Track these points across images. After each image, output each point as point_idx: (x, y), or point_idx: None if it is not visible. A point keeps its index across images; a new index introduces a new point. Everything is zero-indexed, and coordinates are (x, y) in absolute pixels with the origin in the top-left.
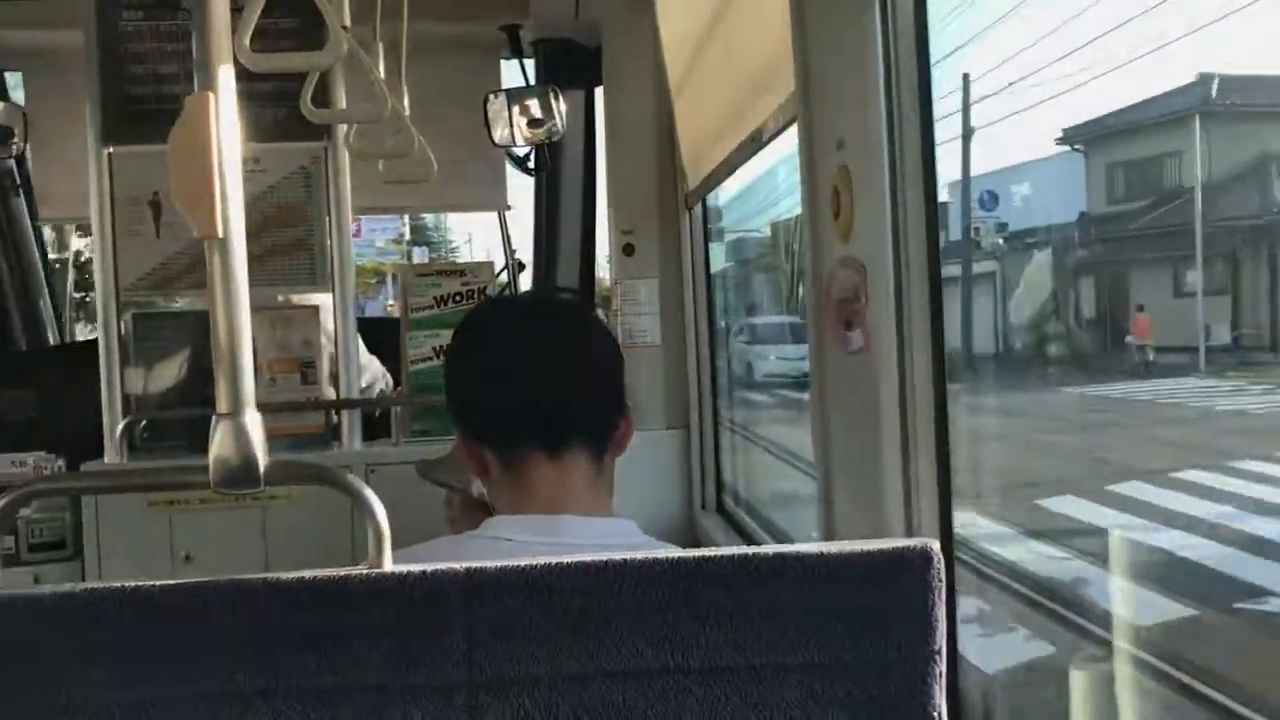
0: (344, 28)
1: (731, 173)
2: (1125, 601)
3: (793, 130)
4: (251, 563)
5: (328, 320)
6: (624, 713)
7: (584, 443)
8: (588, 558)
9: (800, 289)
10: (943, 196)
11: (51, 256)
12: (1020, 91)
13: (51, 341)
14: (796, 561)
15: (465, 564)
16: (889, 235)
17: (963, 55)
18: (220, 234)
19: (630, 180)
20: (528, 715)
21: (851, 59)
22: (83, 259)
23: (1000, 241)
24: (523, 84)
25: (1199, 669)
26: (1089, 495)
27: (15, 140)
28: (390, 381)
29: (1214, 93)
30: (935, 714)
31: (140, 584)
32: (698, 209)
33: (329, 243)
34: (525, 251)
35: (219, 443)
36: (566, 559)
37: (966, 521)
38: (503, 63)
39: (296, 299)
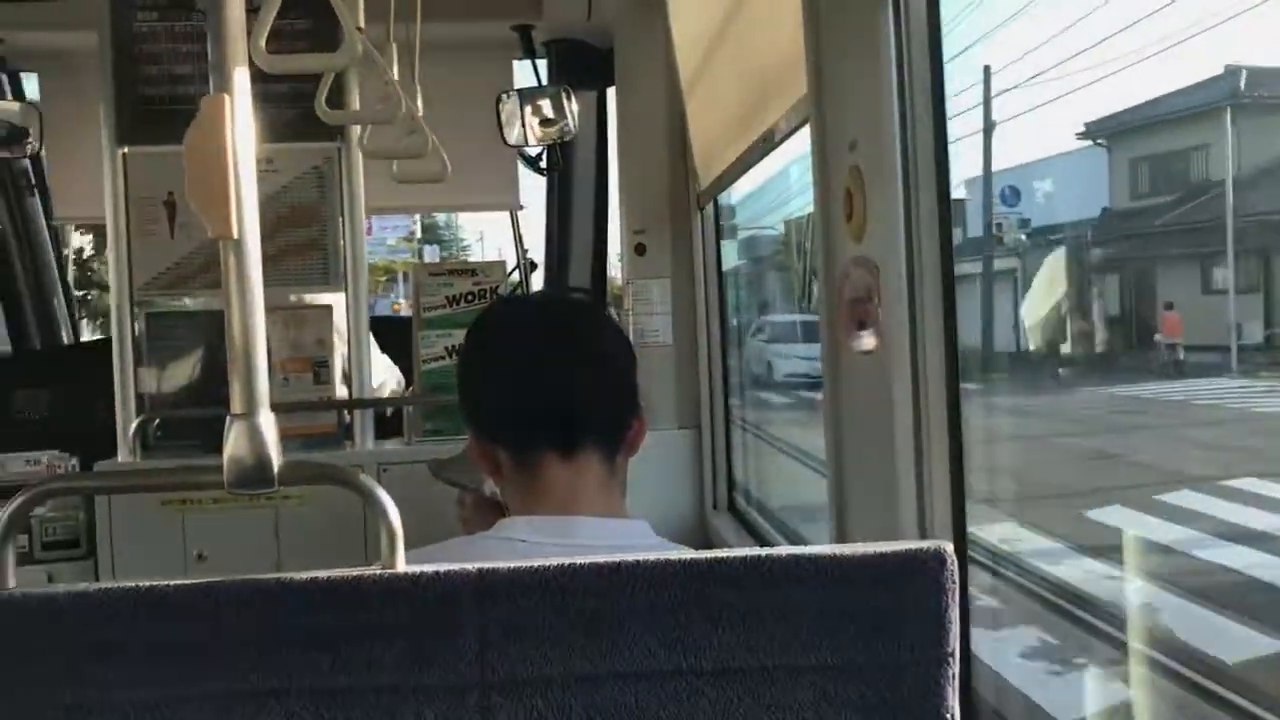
0: (358, 29)
1: (743, 173)
2: (1216, 638)
3: (805, 130)
4: (264, 562)
5: (341, 320)
6: (636, 714)
7: (597, 443)
8: (600, 559)
9: (812, 287)
10: (963, 192)
11: None
12: (1041, 84)
13: (65, 341)
14: (809, 563)
15: (478, 564)
16: (902, 236)
17: (984, 48)
18: (235, 234)
19: (642, 180)
20: (540, 716)
21: (864, 60)
22: (84, 256)
23: (1023, 237)
24: (535, 84)
25: None
26: (1137, 505)
27: (30, 140)
28: (402, 381)
29: (1242, 85)
30: (948, 716)
31: (153, 583)
32: (709, 209)
33: (342, 242)
34: (537, 251)
35: (233, 443)
36: (579, 560)
37: (1008, 535)
38: (515, 63)
39: (309, 298)
